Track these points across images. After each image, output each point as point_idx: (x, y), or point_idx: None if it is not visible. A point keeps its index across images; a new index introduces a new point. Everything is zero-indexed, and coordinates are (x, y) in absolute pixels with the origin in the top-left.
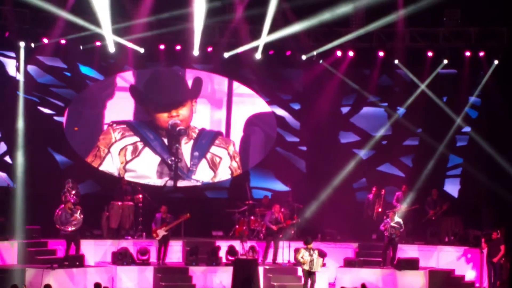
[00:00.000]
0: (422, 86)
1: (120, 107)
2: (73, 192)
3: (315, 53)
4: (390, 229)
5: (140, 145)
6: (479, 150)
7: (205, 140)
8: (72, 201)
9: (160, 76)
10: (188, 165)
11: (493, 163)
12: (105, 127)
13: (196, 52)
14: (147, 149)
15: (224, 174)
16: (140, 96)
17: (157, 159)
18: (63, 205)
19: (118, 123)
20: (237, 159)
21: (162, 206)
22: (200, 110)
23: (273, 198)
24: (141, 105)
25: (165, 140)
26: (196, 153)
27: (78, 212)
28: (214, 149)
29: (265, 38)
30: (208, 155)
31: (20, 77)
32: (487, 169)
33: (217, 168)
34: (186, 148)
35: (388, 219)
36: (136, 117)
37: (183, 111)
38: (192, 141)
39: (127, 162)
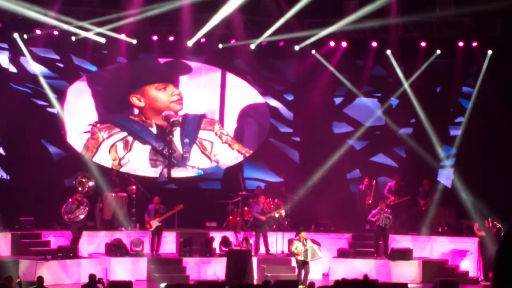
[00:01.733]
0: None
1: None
2: (90, 183)
3: (307, 43)
4: (384, 219)
5: (130, 139)
6: (473, 140)
7: (192, 126)
8: (85, 192)
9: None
10: (181, 152)
11: (487, 154)
12: (89, 128)
13: (190, 43)
14: (137, 142)
15: (224, 156)
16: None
17: (149, 149)
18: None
19: (102, 122)
20: (228, 138)
21: (155, 197)
22: (194, 101)
23: (266, 189)
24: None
25: (153, 130)
26: (187, 140)
27: (84, 204)
28: (202, 134)
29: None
30: (198, 141)
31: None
32: (481, 159)
33: (211, 152)
34: (175, 135)
35: (376, 209)
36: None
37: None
38: (179, 129)
39: (120, 159)
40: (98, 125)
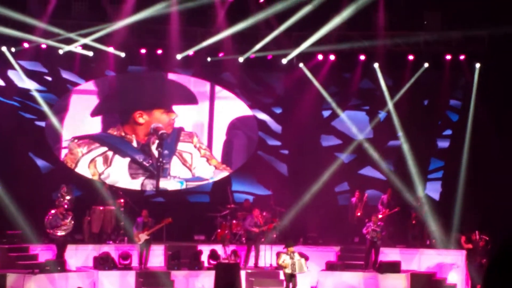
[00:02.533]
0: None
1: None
2: (68, 197)
3: (293, 55)
4: (371, 233)
5: (110, 154)
6: (460, 152)
7: (170, 139)
8: (66, 206)
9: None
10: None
11: (475, 166)
12: (66, 143)
13: (179, 56)
14: (118, 157)
15: (203, 170)
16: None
17: (128, 161)
18: (55, 209)
19: (80, 138)
20: (207, 152)
21: (144, 210)
22: (183, 114)
23: (255, 202)
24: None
25: (134, 144)
26: (166, 152)
27: (69, 218)
28: (181, 146)
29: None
30: (178, 153)
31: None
32: (469, 171)
33: (192, 164)
34: (154, 148)
35: (370, 222)
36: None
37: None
38: (157, 141)
39: (100, 174)
40: (76, 140)
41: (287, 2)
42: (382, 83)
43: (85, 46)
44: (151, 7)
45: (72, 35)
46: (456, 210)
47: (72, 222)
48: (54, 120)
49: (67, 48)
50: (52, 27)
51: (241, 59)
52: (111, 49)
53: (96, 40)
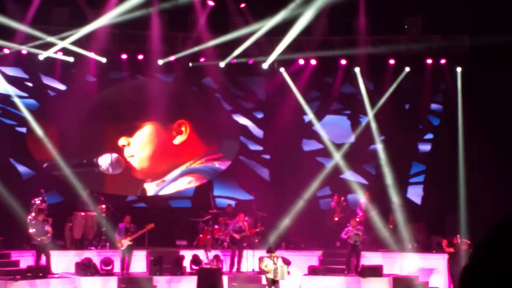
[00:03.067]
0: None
1: None
2: (44, 204)
3: (272, 60)
4: (354, 236)
5: None
6: (441, 156)
7: None
8: (45, 212)
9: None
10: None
11: (456, 170)
12: None
13: (161, 61)
14: None
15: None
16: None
17: None
18: (33, 215)
19: None
20: None
21: (126, 216)
22: None
23: (237, 207)
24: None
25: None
26: None
27: (50, 224)
28: None
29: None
30: None
31: None
32: (450, 175)
33: None
34: None
35: (349, 226)
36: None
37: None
38: None
39: None
40: None
41: (267, 7)
42: (363, 88)
43: (65, 52)
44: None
45: (52, 39)
46: (438, 214)
47: (51, 228)
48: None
49: (45, 54)
50: (34, 30)
51: (222, 64)
52: (92, 54)
53: (77, 45)
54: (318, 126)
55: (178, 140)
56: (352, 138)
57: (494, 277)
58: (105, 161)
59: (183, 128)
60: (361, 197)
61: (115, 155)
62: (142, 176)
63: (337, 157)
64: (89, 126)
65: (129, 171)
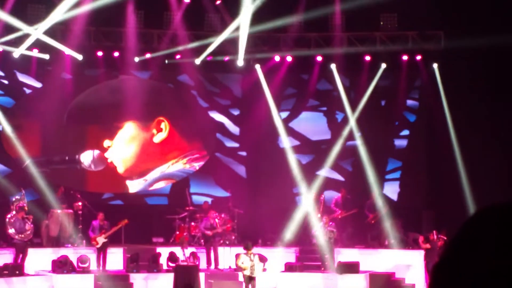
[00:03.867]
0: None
1: None
2: (23, 202)
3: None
4: (328, 233)
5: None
6: (418, 153)
7: None
8: (26, 209)
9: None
10: None
11: (432, 166)
12: None
13: (136, 59)
14: None
15: None
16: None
17: None
18: (13, 213)
19: None
20: None
21: (99, 213)
22: None
23: (214, 204)
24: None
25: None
26: None
27: (30, 221)
28: None
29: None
30: None
31: None
32: (426, 172)
33: None
34: None
35: (322, 223)
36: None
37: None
38: None
39: None
40: None
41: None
42: (339, 84)
43: (41, 48)
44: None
45: (30, 29)
46: (415, 210)
47: (32, 226)
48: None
49: (20, 50)
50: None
51: (197, 61)
52: (67, 51)
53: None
54: (280, 125)
55: (158, 138)
56: (328, 134)
57: (464, 274)
58: (87, 158)
59: (162, 126)
60: (337, 194)
61: (97, 151)
62: (125, 174)
63: (313, 153)
64: (68, 125)
65: (112, 169)
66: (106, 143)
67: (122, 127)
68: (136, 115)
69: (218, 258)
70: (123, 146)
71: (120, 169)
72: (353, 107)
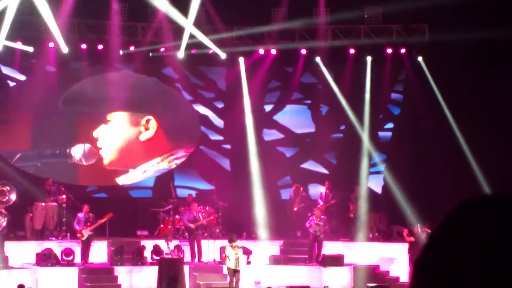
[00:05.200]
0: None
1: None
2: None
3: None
4: (314, 226)
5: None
6: (402, 146)
7: None
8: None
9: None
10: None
11: (416, 159)
12: None
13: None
14: None
15: None
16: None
17: None
18: None
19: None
20: None
21: (84, 205)
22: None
23: (198, 196)
24: None
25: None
26: None
27: (4, 217)
28: None
29: (188, 37)
30: None
31: None
32: (410, 165)
33: None
34: None
35: (313, 216)
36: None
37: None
38: None
39: None
40: None
41: None
42: (328, 77)
43: (25, 41)
44: None
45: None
46: (398, 203)
47: (6, 218)
48: None
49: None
50: None
51: (180, 55)
52: (51, 44)
53: (36, 36)
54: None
55: (144, 136)
56: (312, 127)
57: (445, 268)
58: (78, 151)
59: (150, 125)
60: (322, 187)
61: (88, 145)
62: (110, 166)
63: (297, 146)
64: (63, 112)
65: (99, 163)
66: (96, 133)
67: (112, 120)
68: (127, 109)
69: (201, 251)
70: (111, 138)
71: (105, 161)
72: (337, 100)
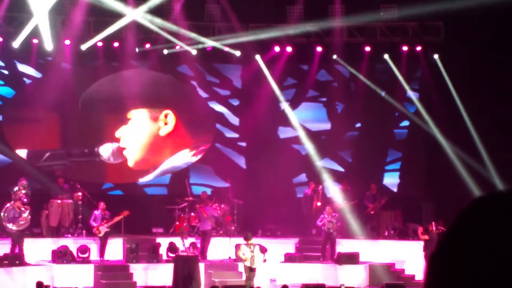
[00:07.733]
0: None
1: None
2: (24, 191)
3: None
4: (327, 224)
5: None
6: (417, 144)
7: None
8: (25, 200)
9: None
10: None
11: (432, 157)
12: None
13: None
14: None
15: None
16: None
17: None
18: (11, 202)
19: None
20: None
21: (100, 202)
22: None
23: (213, 194)
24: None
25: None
26: None
27: (27, 212)
28: None
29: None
30: None
31: None
32: (426, 162)
33: None
34: None
35: (325, 214)
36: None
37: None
38: None
39: None
40: None
41: None
42: (350, 68)
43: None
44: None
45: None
46: (414, 201)
47: (29, 217)
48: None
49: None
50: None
51: (194, 52)
52: (68, 42)
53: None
54: (290, 111)
55: (164, 131)
56: (328, 125)
57: (460, 264)
58: (106, 150)
59: (168, 119)
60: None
61: (116, 144)
62: (136, 168)
63: (313, 144)
64: (83, 113)
65: (124, 162)
66: (118, 133)
67: (132, 118)
68: (145, 105)
69: (207, 250)
70: (133, 136)
71: (130, 162)
72: (353, 98)
